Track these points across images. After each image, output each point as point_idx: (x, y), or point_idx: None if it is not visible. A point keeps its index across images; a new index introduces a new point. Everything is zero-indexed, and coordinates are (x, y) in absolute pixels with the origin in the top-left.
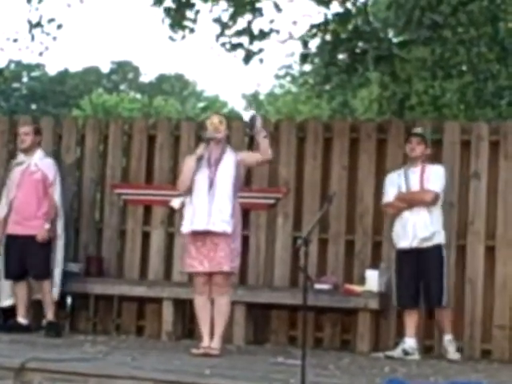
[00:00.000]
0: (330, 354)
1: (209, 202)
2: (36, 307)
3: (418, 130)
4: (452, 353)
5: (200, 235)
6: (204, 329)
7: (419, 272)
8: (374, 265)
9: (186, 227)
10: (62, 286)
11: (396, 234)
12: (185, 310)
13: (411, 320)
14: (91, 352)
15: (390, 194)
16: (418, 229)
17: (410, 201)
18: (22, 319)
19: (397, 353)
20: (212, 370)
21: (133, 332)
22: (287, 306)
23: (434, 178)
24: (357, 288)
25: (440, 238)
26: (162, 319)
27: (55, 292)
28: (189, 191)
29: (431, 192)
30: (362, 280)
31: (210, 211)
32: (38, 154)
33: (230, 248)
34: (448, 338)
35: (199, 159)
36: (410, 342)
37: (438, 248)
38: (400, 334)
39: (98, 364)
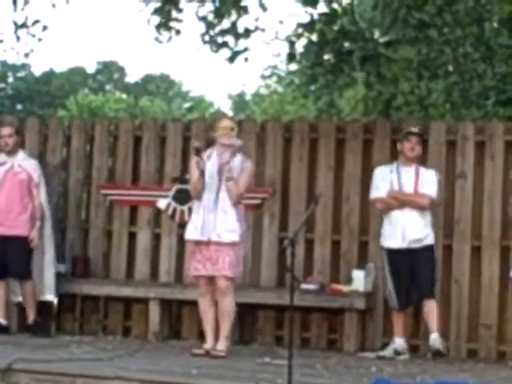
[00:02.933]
0: (316, 354)
1: (214, 210)
2: (19, 309)
3: (416, 129)
4: (438, 344)
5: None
6: (208, 330)
7: (412, 272)
8: (361, 265)
9: (190, 235)
10: (58, 289)
11: (384, 232)
12: (171, 311)
13: (400, 320)
14: (78, 353)
15: (381, 189)
16: (408, 230)
17: (404, 201)
18: (1, 319)
19: (388, 353)
20: (199, 370)
21: (119, 332)
22: (274, 306)
23: (429, 182)
24: (343, 288)
25: (431, 240)
26: (148, 320)
27: (52, 293)
28: (199, 197)
29: (428, 197)
30: (348, 280)
31: (215, 221)
32: (21, 154)
33: (235, 254)
34: (434, 335)
35: (202, 172)
36: (399, 342)
37: (429, 248)
38: (386, 334)
39: (84, 365)
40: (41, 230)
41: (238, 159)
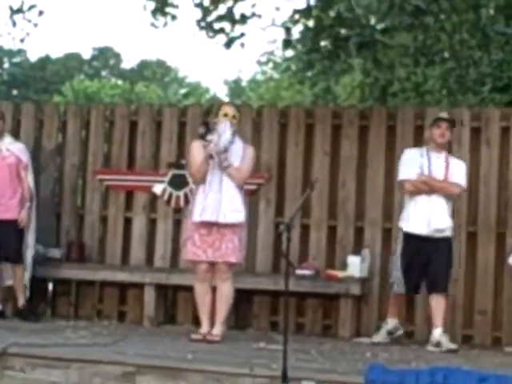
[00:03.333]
0: (311, 340)
1: (219, 191)
2: (8, 292)
3: (445, 114)
4: (447, 343)
5: (207, 224)
6: (203, 316)
7: (426, 261)
8: (356, 250)
9: (197, 216)
10: (33, 270)
11: (406, 216)
12: (166, 296)
13: (396, 303)
14: (73, 337)
15: (411, 172)
16: (434, 218)
17: (435, 187)
18: None
19: (382, 337)
20: (194, 354)
21: (114, 317)
22: (269, 292)
23: (460, 172)
24: (338, 273)
25: (450, 232)
26: (143, 304)
27: (26, 275)
28: (203, 180)
29: (460, 187)
30: (343, 266)
31: (221, 202)
32: (7, 138)
33: (238, 238)
34: (439, 330)
35: (209, 157)
36: (392, 322)
37: (448, 240)
38: (382, 320)
39: (80, 349)
40: (30, 212)
41: (239, 145)
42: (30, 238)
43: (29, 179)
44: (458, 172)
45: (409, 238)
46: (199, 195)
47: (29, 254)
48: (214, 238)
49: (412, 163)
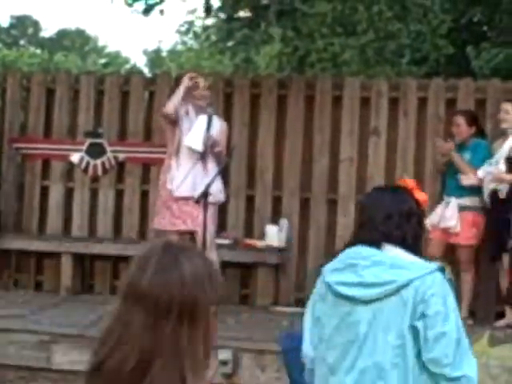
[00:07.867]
0: (229, 309)
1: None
2: None
3: None
4: None
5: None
6: None
7: None
8: (274, 220)
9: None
10: None
11: None
12: (84, 265)
13: None
14: None
15: None
16: None
17: None
18: None
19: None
20: None
21: (31, 287)
22: None
23: None
24: (257, 243)
25: None
26: (60, 274)
27: None
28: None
29: None
30: (262, 235)
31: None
32: None
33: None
34: None
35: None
36: None
37: None
38: (299, 289)
39: None
40: None
41: (217, 123)
42: None
43: None
44: None
45: None
46: (175, 167)
47: None
48: (191, 206)
49: None
